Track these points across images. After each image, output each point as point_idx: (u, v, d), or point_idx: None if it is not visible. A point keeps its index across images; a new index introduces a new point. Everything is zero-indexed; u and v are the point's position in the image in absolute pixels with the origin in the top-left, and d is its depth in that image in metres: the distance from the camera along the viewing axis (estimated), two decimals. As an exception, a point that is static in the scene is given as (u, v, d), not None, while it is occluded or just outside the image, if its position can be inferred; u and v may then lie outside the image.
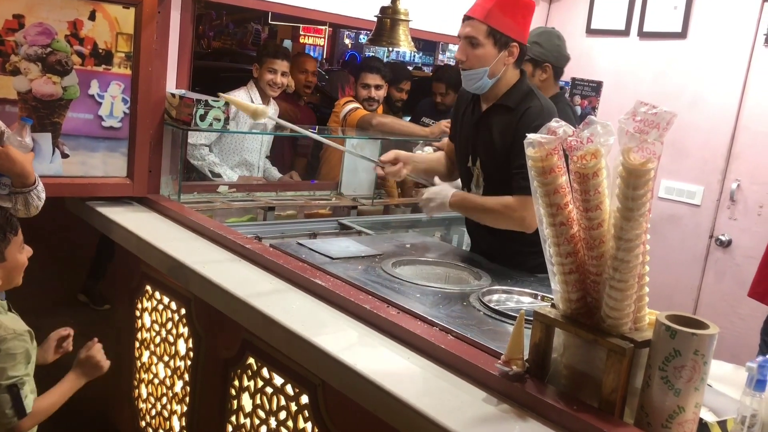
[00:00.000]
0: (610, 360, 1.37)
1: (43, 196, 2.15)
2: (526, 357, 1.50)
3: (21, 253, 1.80)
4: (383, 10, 2.61)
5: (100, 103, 2.58)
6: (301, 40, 13.93)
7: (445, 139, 2.80)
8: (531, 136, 1.34)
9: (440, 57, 14.44)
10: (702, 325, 1.33)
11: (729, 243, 3.48)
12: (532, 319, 1.50)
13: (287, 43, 11.82)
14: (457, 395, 1.50)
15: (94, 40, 2.52)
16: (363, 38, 19.29)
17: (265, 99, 3.74)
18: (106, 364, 1.97)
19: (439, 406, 1.44)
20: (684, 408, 1.32)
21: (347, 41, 19.23)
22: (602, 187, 1.32)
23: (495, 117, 2.35)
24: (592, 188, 1.31)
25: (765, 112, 3.36)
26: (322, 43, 15.77)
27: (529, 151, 1.36)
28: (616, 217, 1.31)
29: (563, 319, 1.46)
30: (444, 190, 2.45)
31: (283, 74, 3.67)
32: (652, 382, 1.34)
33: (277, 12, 3.38)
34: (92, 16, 2.50)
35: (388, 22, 2.53)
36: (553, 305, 1.52)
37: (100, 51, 2.54)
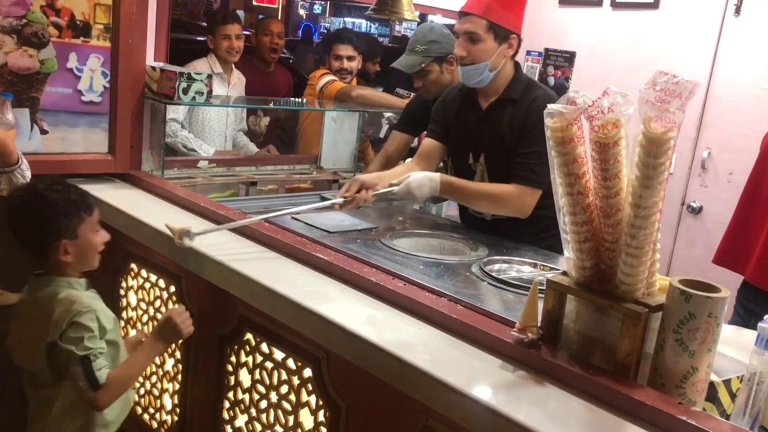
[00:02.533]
0: (625, 325, 1.41)
1: (28, 174, 2.08)
2: (539, 324, 1.54)
3: (96, 235, 1.78)
4: (387, -20, 2.59)
5: (79, 77, 2.50)
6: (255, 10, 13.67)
7: (426, 142, 2.63)
8: (551, 107, 1.35)
9: (396, 28, 14.37)
10: (713, 289, 1.38)
11: (700, 210, 3.59)
12: (542, 287, 1.54)
13: (240, 14, 11.59)
14: (474, 363, 1.53)
15: (71, 11, 2.43)
16: (318, 9, 19.04)
17: (227, 66, 3.76)
18: (187, 329, 1.91)
19: (458, 373, 1.46)
20: (698, 368, 1.37)
21: (302, 12, 18.94)
22: (621, 156, 1.34)
23: (501, 111, 2.36)
24: (611, 157, 1.33)
25: (734, 83, 3.46)
26: (276, 15, 15.54)
27: (549, 122, 1.37)
28: (634, 186, 1.33)
29: (577, 286, 1.49)
30: (429, 175, 2.32)
31: (238, 37, 3.75)
32: (666, 344, 1.39)
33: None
34: (69, -14, 2.41)
35: (391, -8, 2.51)
36: (564, 273, 1.55)
37: (78, 22, 2.45)
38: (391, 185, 2.29)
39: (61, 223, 1.71)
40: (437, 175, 2.32)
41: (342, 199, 2.24)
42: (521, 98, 2.33)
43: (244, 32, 4.05)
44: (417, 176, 2.28)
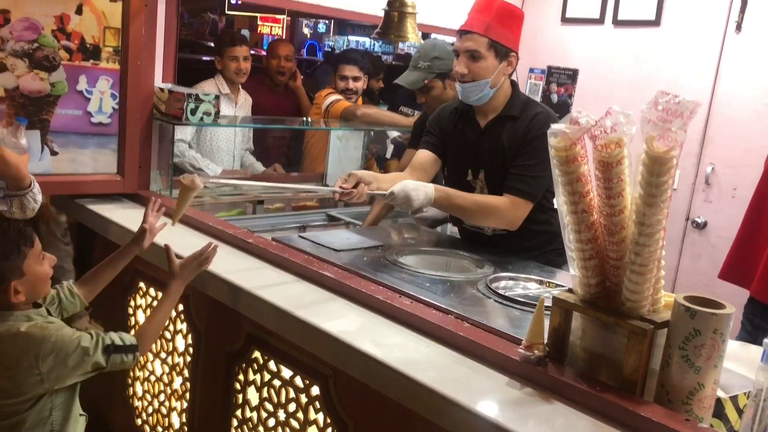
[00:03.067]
0: (631, 341, 1.42)
1: (39, 198, 2.11)
2: (545, 341, 1.55)
3: (41, 265, 1.72)
4: (390, 3, 2.61)
5: (89, 99, 2.55)
6: (259, 30, 13.77)
7: (421, 153, 2.59)
8: (555, 126, 1.37)
9: (400, 46, 14.45)
10: (718, 305, 1.39)
11: (704, 225, 3.60)
12: (548, 305, 1.55)
13: (245, 33, 11.69)
14: (481, 380, 1.54)
15: (81, 34, 2.48)
16: (322, 27, 19.17)
17: (234, 87, 3.80)
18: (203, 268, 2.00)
19: (466, 391, 1.47)
20: (704, 385, 1.38)
21: (306, 31, 19.07)
22: (624, 175, 1.36)
23: (500, 128, 2.39)
24: (615, 176, 1.35)
25: (737, 98, 3.48)
26: (280, 33, 15.62)
27: (552, 141, 1.39)
28: (637, 204, 1.35)
29: (582, 303, 1.50)
30: (422, 184, 2.31)
31: (245, 59, 3.77)
32: (672, 361, 1.39)
33: (261, 3, 3.42)
34: (79, 10, 2.46)
35: (395, 15, 2.54)
36: (569, 290, 1.56)
37: (88, 46, 2.50)
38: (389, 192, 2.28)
39: (4, 267, 1.64)
40: (431, 184, 2.34)
41: (340, 189, 2.24)
42: (521, 115, 2.36)
43: (251, 52, 4.11)
44: (413, 182, 2.29)
